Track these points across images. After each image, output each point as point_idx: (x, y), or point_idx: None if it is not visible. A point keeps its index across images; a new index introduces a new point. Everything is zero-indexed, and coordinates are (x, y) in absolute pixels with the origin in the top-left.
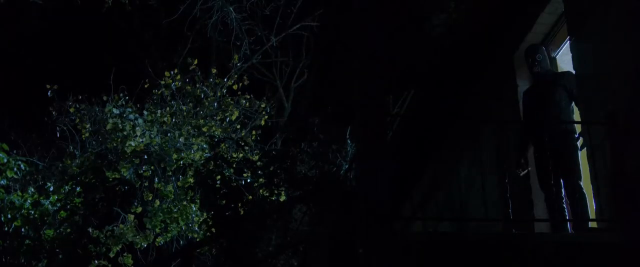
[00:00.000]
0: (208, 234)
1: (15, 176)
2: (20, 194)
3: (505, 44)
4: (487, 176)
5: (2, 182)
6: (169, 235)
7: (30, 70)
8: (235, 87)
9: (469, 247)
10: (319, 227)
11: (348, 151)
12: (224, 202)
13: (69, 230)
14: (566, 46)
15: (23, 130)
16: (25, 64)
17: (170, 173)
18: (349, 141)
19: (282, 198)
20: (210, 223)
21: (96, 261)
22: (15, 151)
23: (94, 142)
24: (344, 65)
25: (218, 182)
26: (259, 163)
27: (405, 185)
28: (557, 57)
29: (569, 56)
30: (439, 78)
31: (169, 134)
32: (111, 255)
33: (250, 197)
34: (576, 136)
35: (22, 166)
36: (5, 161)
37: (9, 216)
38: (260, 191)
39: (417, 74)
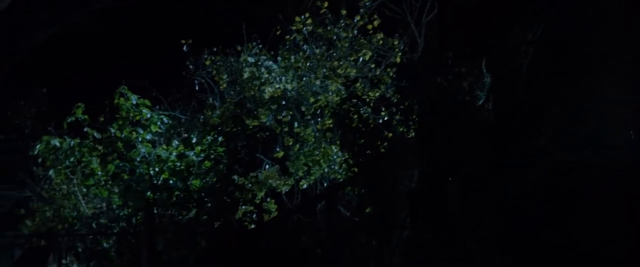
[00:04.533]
0: (350, 174)
1: (160, 130)
2: (165, 147)
3: None
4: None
5: (147, 136)
6: (312, 178)
7: (164, 27)
8: (369, 26)
9: (607, 175)
10: (458, 160)
11: (484, 82)
12: (363, 141)
13: (214, 179)
14: None
15: (163, 86)
16: (159, 22)
17: (308, 116)
18: (485, 71)
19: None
20: (351, 163)
21: (243, 207)
22: (157, 107)
23: (232, 92)
24: None
25: (356, 121)
26: (394, 100)
27: (539, 114)
28: None
29: None
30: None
31: (304, 78)
32: (257, 200)
33: (389, 134)
34: None
35: (165, 120)
36: (149, 116)
37: (157, 169)
38: (399, 127)
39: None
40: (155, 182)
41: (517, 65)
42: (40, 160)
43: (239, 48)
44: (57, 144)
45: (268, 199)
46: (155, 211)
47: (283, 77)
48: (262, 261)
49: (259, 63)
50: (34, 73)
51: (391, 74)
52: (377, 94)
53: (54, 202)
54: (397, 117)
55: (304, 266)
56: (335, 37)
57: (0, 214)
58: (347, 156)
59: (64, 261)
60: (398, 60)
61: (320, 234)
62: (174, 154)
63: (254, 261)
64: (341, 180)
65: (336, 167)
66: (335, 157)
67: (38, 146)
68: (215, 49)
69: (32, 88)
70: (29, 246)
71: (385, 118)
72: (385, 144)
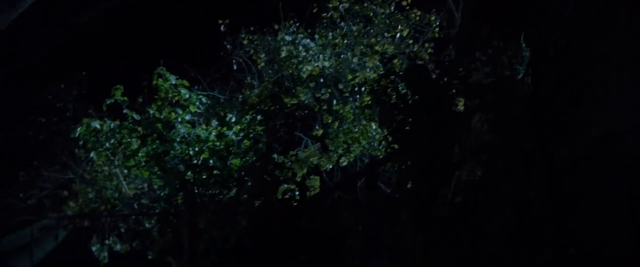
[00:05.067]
0: (389, 150)
1: (199, 110)
2: (204, 127)
3: None
4: None
5: (186, 117)
6: (351, 155)
7: (201, 7)
8: (405, 2)
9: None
10: (499, 135)
11: (523, 56)
12: (401, 117)
13: (254, 158)
14: None
15: (201, 67)
16: (196, 3)
17: (347, 94)
18: (523, 45)
19: (461, 108)
20: (390, 140)
21: (284, 185)
22: (196, 87)
23: (270, 71)
24: None
25: (394, 98)
26: (433, 76)
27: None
28: None
29: None
30: None
31: (342, 56)
32: (298, 179)
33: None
34: None
35: (203, 100)
36: (187, 96)
37: (196, 149)
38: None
39: None
40: (195, 162)
41: (554, 38)
42: (81, 142)
43: (276, 27)
44: (98, 126)
45: (310, 177)
46: (196, 191)
47: (321, 55)
48: (302, 239)
49: (296, 41)
50: (73, 56)
51: (429, 49)
52: None
53: (96, 184)
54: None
55: (345, 243)
56: (372, 14)
57: (44, 197)
58: (386, 133)
59: (107, 241)
60: (435, 35)
61: (361, 211)
62: (213, 133)
63: (294, 239)
64: (381, 157)
65: (375, 144)
66: (374, 134)
67: (79, 129)
68: (252, 28)
69: (72, 71)
70: (72, 226)
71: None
72: (424, 120)
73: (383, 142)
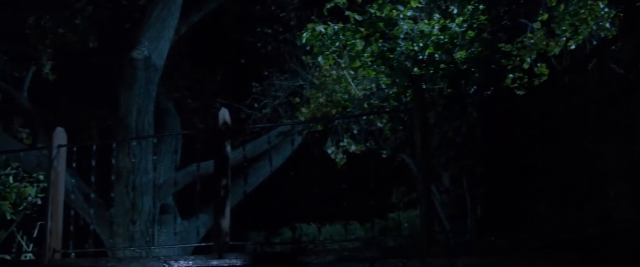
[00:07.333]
0: (620, 29)
1: (420, 5)
2: (427, 22)
3: None
4: None
5: (408, 13)
6: (580, 37)
7: None
8: None
9: None
10: None
11: None
12: None
13: (479, 48)
14: None
15: None
16: None
17: None
18: None
19: None
20: (621, 17)
21: (511, 75)
22: None
23: None
24: None
25: None
26: None
27: None
28: None
29: None
30: None
31: None
32: (525, 66)
33: None
34: None
35: None
36: None
37: (421, 44)
38: None
39: None
40: (420, 57)
41: None
42: (307, 48)
43: None
44: (323, 30)
45: (538, 64)
46: (424, 86)
47: None
48: (531, 124)
49: None
50: None
51: None
52: None
53: (326, 88)
54: None
55: (576, 126)
56: None
57: (278, 105)
58: (616, 11)
59: (341, 143)
60: None
61: (592, 94)
62: (436, 27)
63: (521, 124)
64: (611, 37)
65: (605, 24)
66: (603, 13)
67: (304, 35)
68: None
69: None
70: (307, 131)
71: None
72: None
73: (615, 21)
